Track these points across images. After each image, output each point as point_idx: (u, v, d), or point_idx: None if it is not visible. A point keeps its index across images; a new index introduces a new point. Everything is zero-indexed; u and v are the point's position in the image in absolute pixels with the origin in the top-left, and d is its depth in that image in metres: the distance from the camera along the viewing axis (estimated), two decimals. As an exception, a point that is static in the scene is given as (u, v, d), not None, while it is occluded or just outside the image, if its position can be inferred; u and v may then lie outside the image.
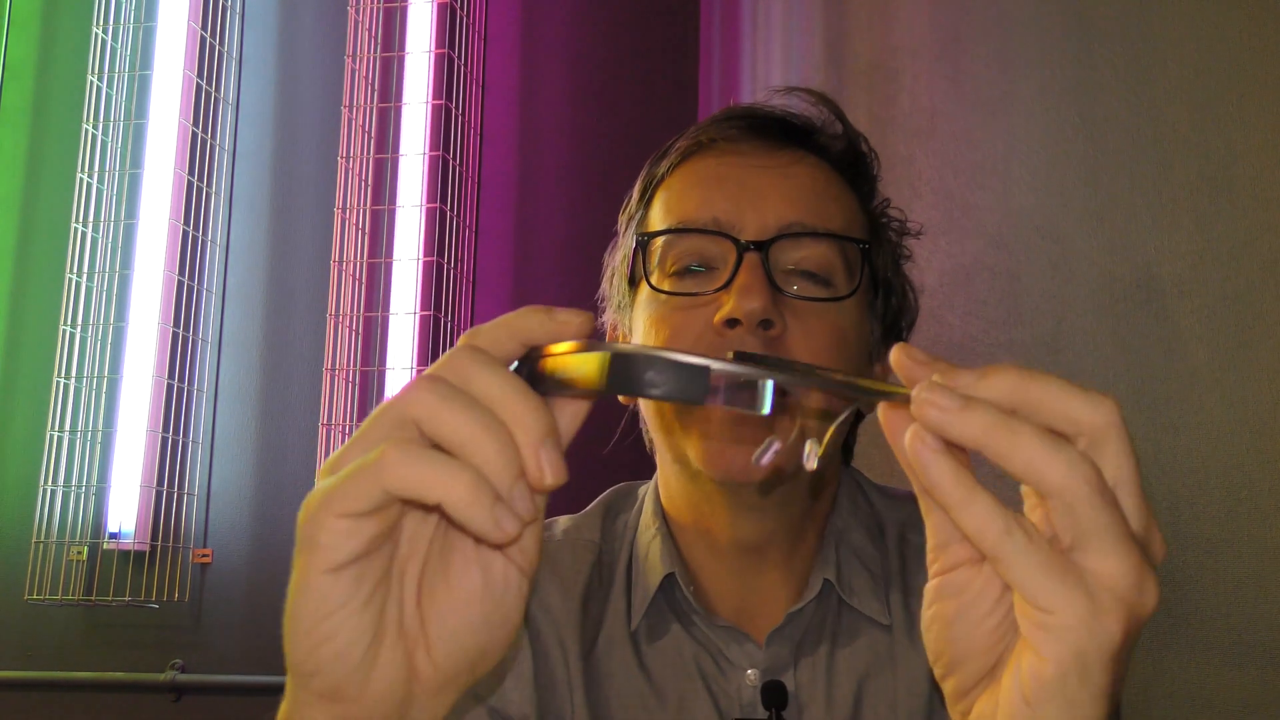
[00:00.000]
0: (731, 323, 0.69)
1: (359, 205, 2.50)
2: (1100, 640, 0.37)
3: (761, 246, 0.71)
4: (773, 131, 0.78)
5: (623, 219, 0.85)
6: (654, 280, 0.76)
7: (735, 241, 0.72)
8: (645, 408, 0.78)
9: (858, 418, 0.84)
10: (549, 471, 0.39)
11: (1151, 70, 1.02)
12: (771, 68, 2.14)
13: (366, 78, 2.55)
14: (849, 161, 0.80)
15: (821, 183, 0.77)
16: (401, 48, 2.59)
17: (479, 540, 0.42)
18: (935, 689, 0.75)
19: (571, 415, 0.44)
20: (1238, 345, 0.90)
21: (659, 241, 0.76)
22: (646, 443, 0.82)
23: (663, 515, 0.81)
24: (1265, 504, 0.86)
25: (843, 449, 0.86)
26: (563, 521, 0.86)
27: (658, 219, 0.78)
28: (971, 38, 1.36)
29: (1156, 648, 0.96)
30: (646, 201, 0.81)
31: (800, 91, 0.83)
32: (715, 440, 0.71)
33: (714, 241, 0.73)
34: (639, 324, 0.78)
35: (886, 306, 0.81)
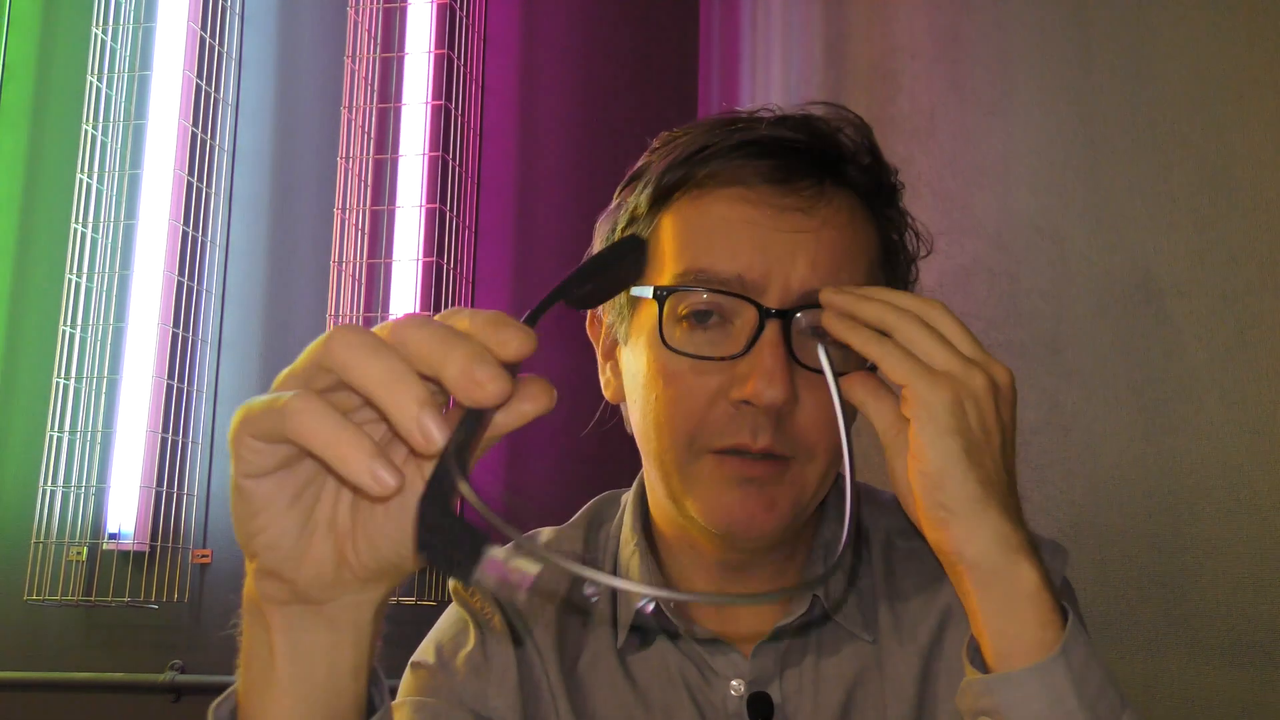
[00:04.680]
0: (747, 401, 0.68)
1: (359, 206, 2.50)
2: (938, 397, 0.62)
3: (784, 314, 0.69)
4: (803, 173, 0.73)
5: (618, 198, 0.80)
6: (665, 327, 0.72)
7: (758, 307, 0.69)
8: (642, 444, 0.76)
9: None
10: (428, 433, 0.41)
11: (1151, 71, 1.02)
12: (771, 68, 2.14)
13: (366, 78, 2.55)
14: (876, 194, 0.77)
15: (847, 238, 0.73)
16: (401, 48, 2.59)
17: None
18: (922, 691, 0.75)
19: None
20: (1237, 346, 0.90)
21: (671, 278, 0.72)
22: (626, 424, 0.80)
23: (643, 529, 0.81)
24: (1264, 504, 0.86)
25: None
26: (546, 533, 0.86)
27: (671, 247, 0.74)
28: (971, 38, 1.36)
29: (1156, 648, 0.96)
30: (656, 212, 0.76)
31: (845, 115, 0.78)
32: (719, 498, 0.70)
33: (730, 296, 0.70)
34: (639, 354, 0.75)
35: None
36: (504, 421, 0.45)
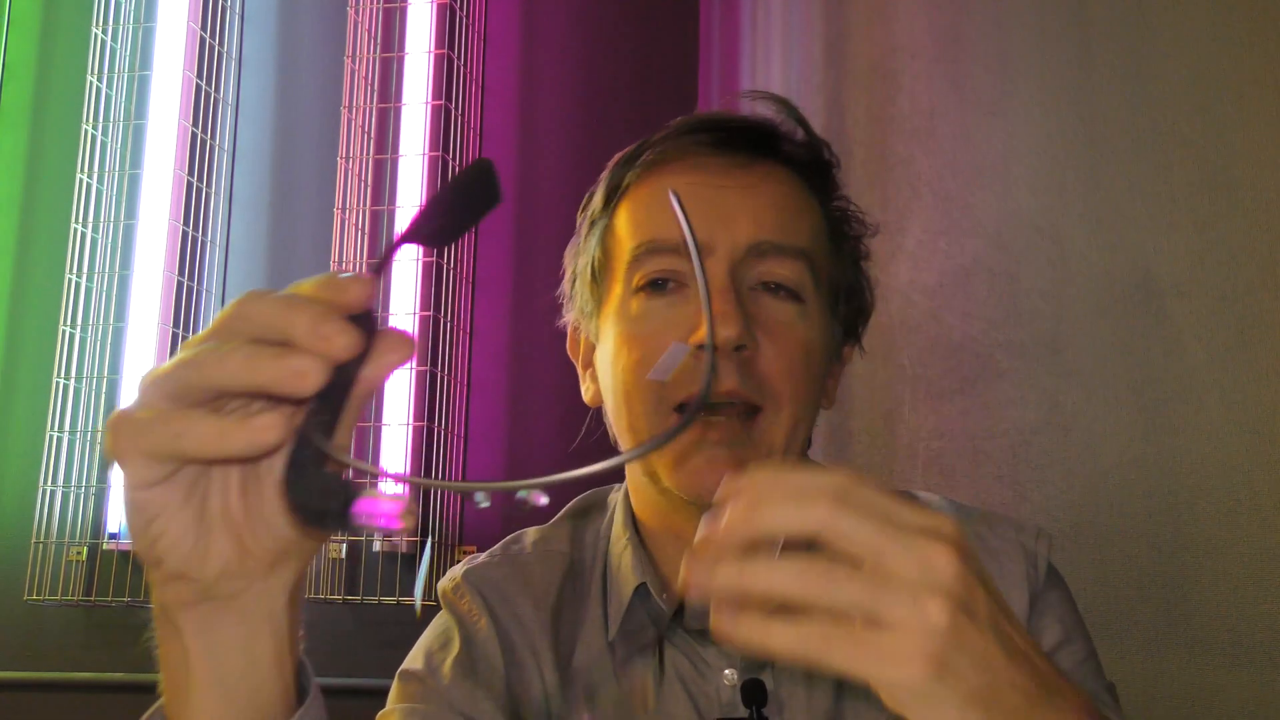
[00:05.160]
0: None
1: (359, 205, 2.50)
2: (913, 682, 0.43)
3: (733, 267, 0.73)
4: (739, 144, 0.79)
5: (581, 218, 0.85)
6: (621, 294, 0.77)
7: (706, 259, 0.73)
8: (615, 420, 0.79)
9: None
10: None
11: (1151, 70, 1.02)
12: (771, 68, 2.14)
13: (366, 78, 2.55)
14: (812, 168, 0.82)
15: (787, 196, 0.78)
16: (401, 48, 2.59)
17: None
18: None
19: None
20: (1237, 346, 0.90)
21: (627, 256, 0.77)
22: (612, 439, 0.83)
23: (634, 524, 0.82)
24: (1265, 504, 0.86)
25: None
26: (531, 533, 0.87)
27: (625, 230, 0.79)
28: (971, 38, 1.36)
29: (1156, 648, 0.96)
30: (612, 208, 0.81)
31: (766, 99, 0.84)
32: (687, 462, 0.72)
33: (685, 260, 0.74)
34: (608, 339, 0.78)
35: (848, 308, 0.83)
36: (371, 375, 0.45)
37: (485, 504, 0.44)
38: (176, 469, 0.45)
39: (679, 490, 0.73)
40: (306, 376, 0.42)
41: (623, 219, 0.80)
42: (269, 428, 0.42)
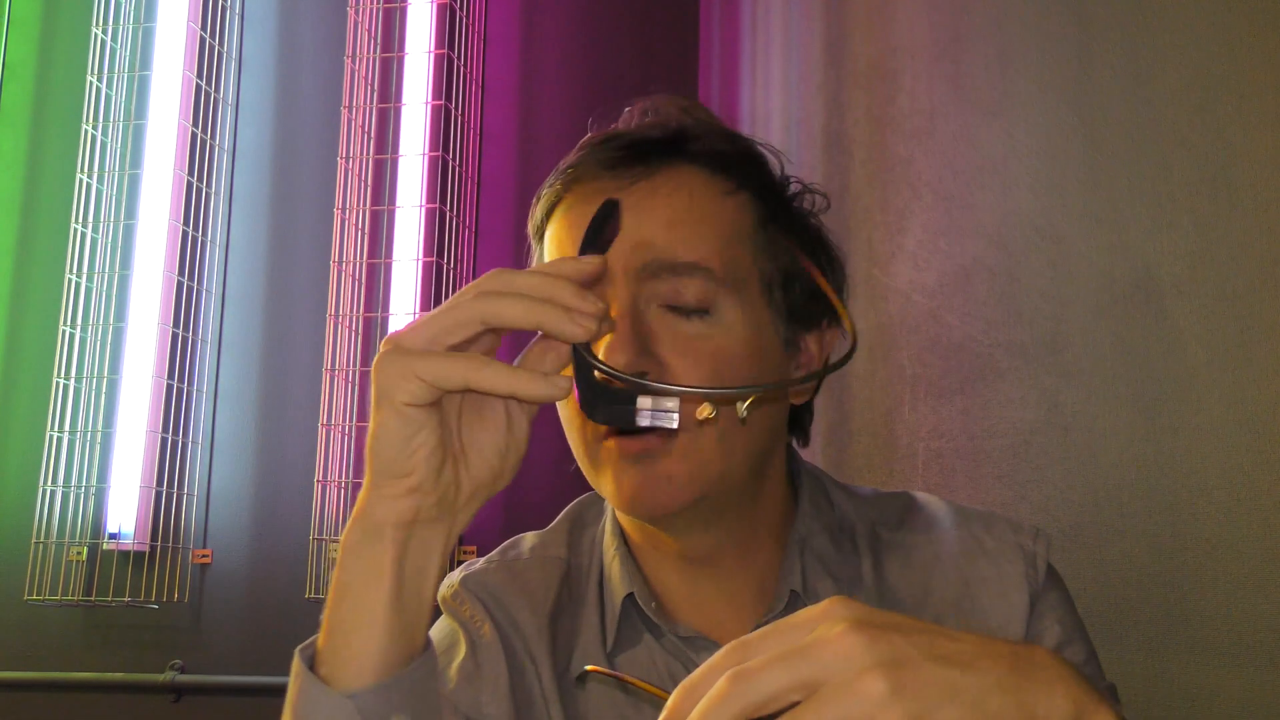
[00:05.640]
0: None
1: (359, 206, 2.50)
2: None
3: (630, 292, 0.72)
4: (632, 158, 0.76)
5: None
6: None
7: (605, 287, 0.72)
8: (574, 446, 0.78)
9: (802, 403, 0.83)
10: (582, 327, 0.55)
11: (1151, 70, 1.02)
12: (771, 68, 2.14)
13: (366, 78, 2.55)
14: (722, 160, 0.78)
15: (684, 204, 0.74)
16: (401, 48, 2.59)
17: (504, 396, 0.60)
18: None
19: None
20: (1237, 345, 0.90)
21: None
22: None
23: (621, 533, 0.82)
24: (1265, 504, 0.86)
25: (793, 430, 0.84)
26: (529, 538, 0.87)
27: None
28: (971, 38, 1.36)
29: (1156, 648, 0.96)
30: (542, 249, 0.80)
31: (678, 101, 0.82)
32: (618, 479, 0.72)
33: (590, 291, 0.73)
34: None
35: (791, 295, 0.78)
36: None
37: (710, 414, 0.60)
38: (438, 397, 0.55)
39: (616, 506, 0.74)
40: (586, 327, 0.54)
41: (548, 253, 0.80)
42: (563, 385, 0.55)
